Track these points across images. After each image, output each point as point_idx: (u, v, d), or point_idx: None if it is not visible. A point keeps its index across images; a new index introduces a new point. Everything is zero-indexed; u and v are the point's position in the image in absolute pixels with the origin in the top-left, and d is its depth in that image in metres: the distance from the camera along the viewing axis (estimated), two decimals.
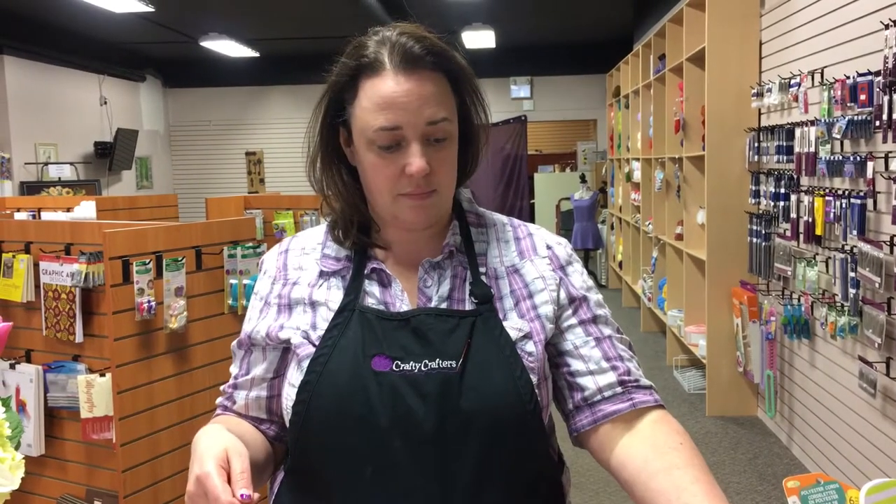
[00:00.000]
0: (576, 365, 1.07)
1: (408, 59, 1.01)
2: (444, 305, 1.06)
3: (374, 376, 0.99)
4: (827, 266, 3.44)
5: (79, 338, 2.42)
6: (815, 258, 3.55)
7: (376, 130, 1.00)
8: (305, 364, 1.03)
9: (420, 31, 1.04)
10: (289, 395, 1.05)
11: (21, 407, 2.48)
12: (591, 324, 1.09)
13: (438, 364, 1.00)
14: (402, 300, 1.06)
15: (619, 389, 1.06)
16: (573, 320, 1.09)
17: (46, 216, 4.30)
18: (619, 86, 8.54)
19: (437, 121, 1.01)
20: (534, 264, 1.10)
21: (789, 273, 3.82)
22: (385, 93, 1.00)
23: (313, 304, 1.08)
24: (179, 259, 2.49)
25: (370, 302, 1.06)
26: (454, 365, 1.00)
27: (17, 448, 0.88)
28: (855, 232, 3.06)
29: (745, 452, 4.05)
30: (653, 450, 0.99)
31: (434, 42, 1.04)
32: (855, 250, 3.08)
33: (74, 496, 2.50)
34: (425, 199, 1.03)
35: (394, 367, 1.00)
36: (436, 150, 1.02)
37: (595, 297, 1.12)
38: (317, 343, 1.04)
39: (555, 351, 1.09)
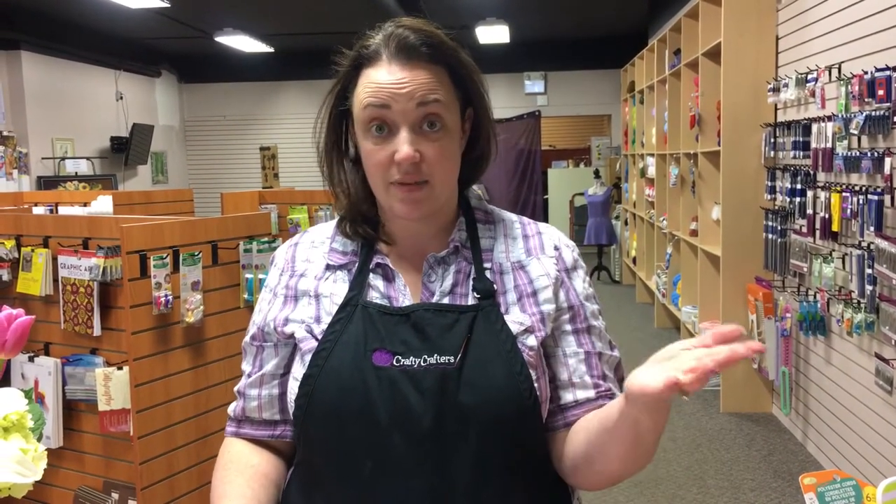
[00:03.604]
0: (560, 374, 1.07)
1: (402, 48, 1.02)
2: (446, 300, 1.06)
3: (375, 371, 1.00)
4: (843, 262, 3.42)
5: (97, 331, 2.44)
6: (831, 254, 3.53)
7: (365, 108, 1.02)
8: (308, 358, 1.04)
9: (422, 24, 1.05)
10: (292, 389, 1.06)
11: (40, 399, 2.51)
12: (585, 334, 1.09)
13: (437, 359, 1.00)
14: (405, 295, 1.07)
15: (593, 397, 1.07)
16: (567, 327, 1.08)
17: (64, 210, 4.33)
18: (634, 81, 8.50)
19: (429, 101, 1.01)
20: (540, 262, 1.10)
21: (805, 269, 3.80)
22: (377, 79, 1.02)
23: (318, 297, 1.09)
24: (196, 253, 2.51)
25: (374, 296, 1.07)
26: (452, 360, 1.00)
27: (38, 440, 0.89)
28: (872, 228, 3.04)
29: (759, 449, 4.04)
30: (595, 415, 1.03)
31: (432, 34, 1.04)
32: (872, 247, 3.06)
33: (92, 488, 2.53)
34: (414, 191, 1.03)
35: (394, 363, 1.00)
36: (429, 139, 1.02)
37: (593, 306, 1.11)
38: (319, 337, 1.05)
39: (542, 352, 1.08)
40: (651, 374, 0.82)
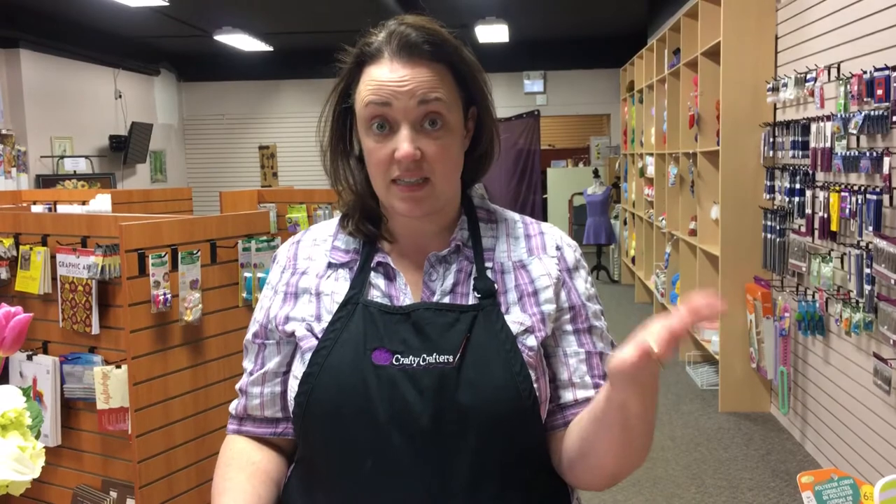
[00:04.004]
0: (560, 373, 1.07)
1: (404, 46, 1.02)
2: (446, 299, 1.06)
3: (374, 370, 1.00)
4: (842, 262, 3.42)
5: (95, 330, 2.44)
6: (829, 254, 3.53)
7: (366, 105, 1.02)
8: (308, 356, 1.04)
9: (425, 22, 1.05)
10: (292, 387, 1.06)
11: (38, 397, 2.51)
12: (586, 334, 1.09)
13: (436, 358, 1.00)
14: (405, 294, 1.07)
15: (592, 397, 1.07)
16: (568, 327, 1.08)
17: (62, 209, 4.33)
18: (633, 80, 8.50)
19: (430, 100, 1.01)
20: (542, 262, 1.10)
21: (804, 269, 3.80)
22: (378, 77, 1.02)
23: (318, 295, 1.09)
24: (194, 252, 2.51)
25: (375, 295, 1.07)
26: (451, 360, 1.00)
27: (36, 437, 0.89)
28: (871, 228, 3.04)
29: (757, 449, 4.04)
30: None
31: (435, 32, 1.04)
32: (870, 246, 3.06)
33: (90, 486, 2.53)
34: (415, 191, 1.03)
35: (393, 361, 1.00)
36: (430, 136, 1.02)
37: (595, 307, 1.11)
38: (320, 335, 1.05)
39: (543, 352, 1.08)
40: (625, 349, 0.85)
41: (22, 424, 0.86)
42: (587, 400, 1.06)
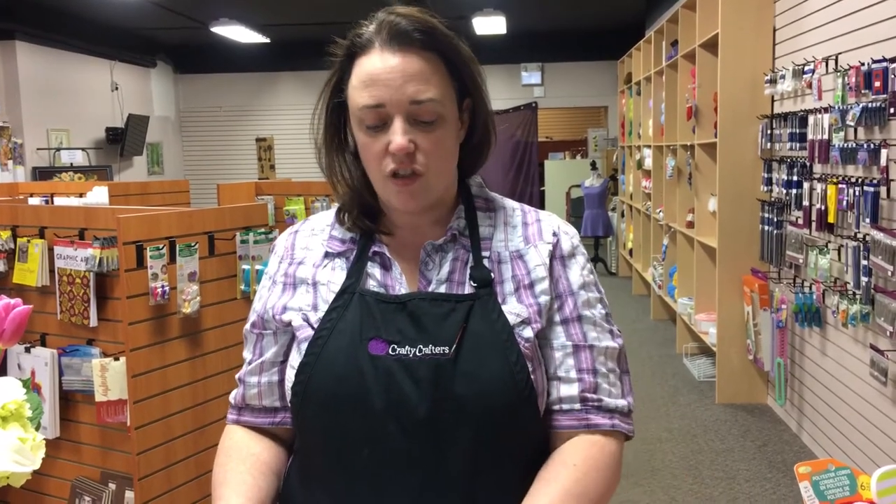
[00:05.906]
0: (548, 366, 1.06)
1: (394, 35, 1.00)
2: (442, 288, 1.05)
3: (370, 360, 1.00)
4: (839, 254, 3.42)
5: (93, 322, 2.44)
6: (827, 246, 3.54)
7: (361, 108, 1.01)
8: (304, 346, 1.04)
9: (415, 11, 1.03)
10: (289, 377, 1.06)
11: (36, 390, 2.51)
12: (575, 324, 1.07)
13: (432, 349, 1.00)
14: (401, 283, 1.07)
15: (577, 406, 1.05)
16: (556, 317, 1.07)
17: (59, 201, 4.33)
18: (631, 72, 8.49)
19: (422, 101, 1.00)
20: (537, 250, 1.09)
21: (801, 261, 3.80)
22: (370, 69, 1.00)
23: (315, 285, 1.09)
24: (192, 244, 2.50)
25: (371, 284, 1.07)
26: (447, 350, 1.00)
27: (37, 429, 0.89)
28: (868, 220, 3.04)
29: (754, 440, 4.05)
30: (550, 462, 1.04)
31: (426, 21, 1.02)
32: (867, 238, 3.07)
33: (89, 478, 2.53)
34: (409, 184, 1.02)
35: (390, 351, 1.00)
36: (424, 130, 1.01)
37: (588, 295, 1.09)
38: (316, 325, 1.05)
39: (538, 343, 1.07)
40: None
41: (22, 416, 0.86)
42: (570, 398, 1.05)
